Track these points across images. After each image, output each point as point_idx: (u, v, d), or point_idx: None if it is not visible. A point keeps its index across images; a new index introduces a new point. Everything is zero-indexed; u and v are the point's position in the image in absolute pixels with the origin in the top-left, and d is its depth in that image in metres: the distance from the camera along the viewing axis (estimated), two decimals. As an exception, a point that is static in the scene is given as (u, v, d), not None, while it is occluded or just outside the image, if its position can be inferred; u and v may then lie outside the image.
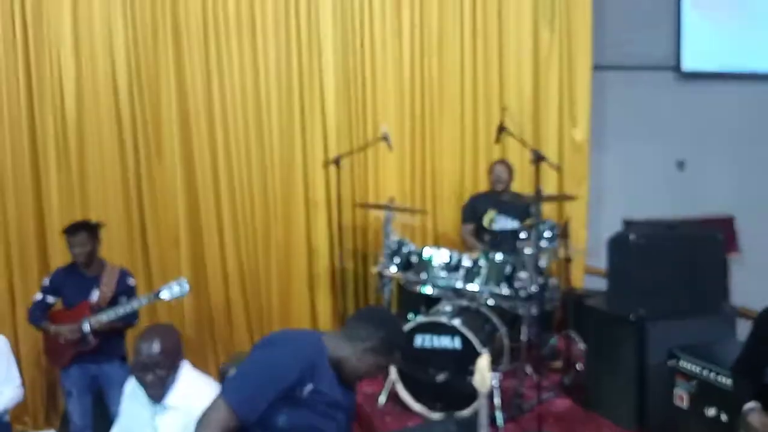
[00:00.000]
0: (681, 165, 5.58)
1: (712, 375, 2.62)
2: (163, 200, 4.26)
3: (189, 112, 4.25)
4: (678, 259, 3.01)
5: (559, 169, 3.65)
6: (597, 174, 5.35)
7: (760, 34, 5.46)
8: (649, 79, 5.47)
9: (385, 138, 3.88)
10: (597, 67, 5.10)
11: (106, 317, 3.20)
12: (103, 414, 3.39)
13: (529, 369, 3.56)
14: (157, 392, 2.12)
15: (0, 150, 3.94)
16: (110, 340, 3.32)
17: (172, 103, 4.20)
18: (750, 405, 1.93)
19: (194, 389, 2.16)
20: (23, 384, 3.29)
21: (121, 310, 3.21)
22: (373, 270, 4.01)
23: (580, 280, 4.95)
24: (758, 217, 5.75)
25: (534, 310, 3.35)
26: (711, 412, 2.62)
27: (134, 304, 3.25)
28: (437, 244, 4.73)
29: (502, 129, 3.19)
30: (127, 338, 3.49)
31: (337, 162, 4.06)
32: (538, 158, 3.00)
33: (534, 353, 3.52)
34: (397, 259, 3.78)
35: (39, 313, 3.30)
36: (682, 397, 2.76)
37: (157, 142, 4.22)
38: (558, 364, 3.90)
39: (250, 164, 4.40)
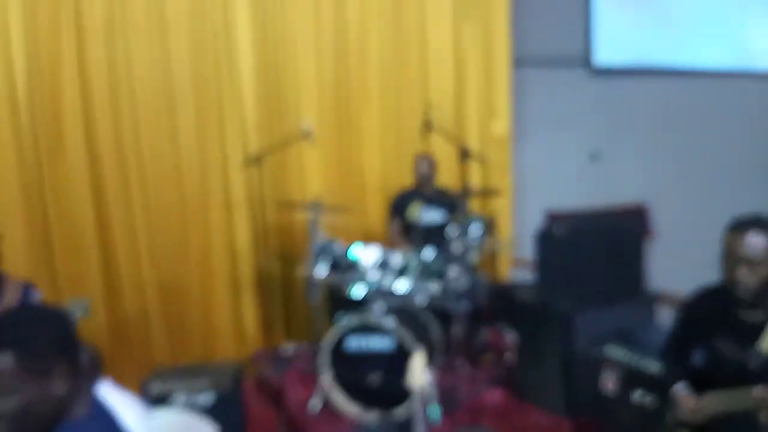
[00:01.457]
0: (594, 157, 5.81)
1: (637, 361, 2.70)
2: (68, 205, 3.93)
3: (93, 108, 3.93)
4: (599, 250, 3.09)
5: (485, 162, 3.67)
6: (518, 167, 5.48)
7: (668, 30, 5.75)
8: (563, 74, 5.65)
9: (307, 133, 3.75)
10: (515, 62, 5.21)
11: None
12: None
13: (462, 364, 3.55)
14: None
15: None
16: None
17: (75, 98, 3.88)
18: (679, 387, 1.98)
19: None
20: None
21: None
22: (301, 272, 3.89)
23: (506, 272, 5.05)
24: (668, 203, 6.11)
25: (465, 306, 3.35)
26: (637, 396, 2.70)
27: None
28: (364, 241, 4.68)
29: (427, 124, 3.15)
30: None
31: (258, 160, 3.89)
32: (464, 154, 2.98)
33: (466, 348, 3.52)
34: (325, 260, 3.68)
35: None
36: (608, 383, 2.83)
37: (59, 139, 3.88)
38: (489, 357, 3.93)
39: (163, 165, 4.13)
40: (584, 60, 5.68)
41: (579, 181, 5.79)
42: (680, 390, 1.99)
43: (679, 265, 6.02)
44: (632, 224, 3.24)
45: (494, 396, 3.51)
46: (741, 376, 1.82)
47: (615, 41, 5.67)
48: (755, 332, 1.81)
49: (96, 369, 1.53)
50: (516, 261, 5.08)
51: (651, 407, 2.61)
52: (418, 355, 2.87)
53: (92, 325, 3.96)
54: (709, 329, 1.95)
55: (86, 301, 3.01)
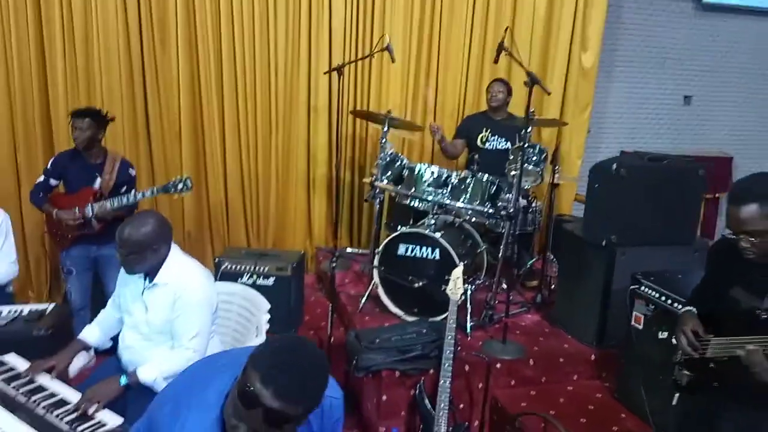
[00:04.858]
0: (688, 100, 5.54)
1: (668, 301, 2.77)
2: (166, 94, 4.31)
3: (195, 9, 4.21)
4: (656, 190, 3.08)
5: (549, 94, 3.63)
6: (601, 102, 5.35)
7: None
8: (668, 7, 5.32)
9: (388, 49, 3.86)
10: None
11: (110, 205, 3.31)
12: (101, 293, 3.62)
13: (504, 284, 3.73)
14: (128, 268, 2.32)
15: (5, 33, 3.96)
16: (111, 225, 3.46)
17: (181, 2, 4.17)
18: (687, 308, 2.07)
19: (180, 270, 2.35)
20: (18, 261, 3.32)
21: (126, 199, 3.31)
22: (365, 180, 4.13)
23: (569, 207, 5.07)
24: (755, 156, 5.79)
25: (513, 229, 3.48)
26: (664, 334, 2.79)
27: (139, 196, 3.32)
28: (434, 160, 4.83)
29: (501, 48, 3.17)
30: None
31: (339, 70, 4.04)
32: (532, 81, 3.01)
33: (511, 270, 3.68)
34: (389, 172, 3.89)
35: (41, 195, 3.42)
36: (639, 318, 2.93)
37: (163, 37, 4.20)
38: (534, 283, 4.09)
39: (254, 65, 4.41)
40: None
41: (664, 124, 5.58)
42: (688, 309, 2.07)
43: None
44: (697, 169, 3.17)
45: (530, 318, 3.70)
46: (752, 325, 1.87)
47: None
48: None
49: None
50: (580, 197, 5.06)
51: (676, 345, 2.70)
52: (459, 267, 3.10)
53: (180, 208, 4.46)
54: (726, 277, 1.99)
55: (188, 178, 3.33)
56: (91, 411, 2.05)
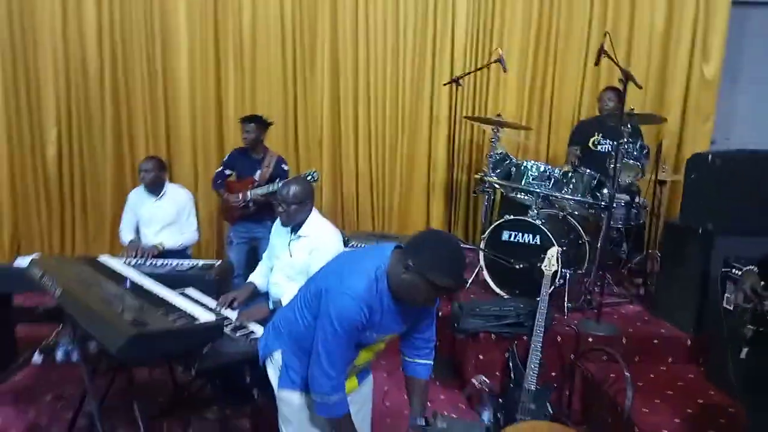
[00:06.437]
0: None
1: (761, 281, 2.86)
2: (312, 107, 5.13)
3: (338, 37, 5.03)
4: (754, 180, 3.18)
5: (641, 88, 3.75)
6: (727, 111, 5.30)
7: None
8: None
9: (500, 61, 4.28)
10: (738, 2, 4.98)
11: (262, 191, 4.12)
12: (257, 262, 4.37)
13: (607, 276, 3.91)
14: (284, 220, 2.94)
15: (191, 56, 5.01)
16: (265, 207, 4.20)
17: (326, 34, 5.00)
18: (747, 267, 2.25)
19: (319, 226, 2.96)
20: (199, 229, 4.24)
21: (272, 187, 4.06)
22: (477, 176, 4.56)
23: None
24: None
25: (615, 223, 3.69)
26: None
27: (281, 185, 4.05)
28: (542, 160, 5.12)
29: (602, 52, 3.46)
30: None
31: (456, 81, 4.54)
32: (626, 78, 3.28)
33: (613, 262, 3.85)
34: (498, 169, 4.28)
35: (219, 181, 4.32)
36: (732, 299, 3.03)
37: (311, 58, 5.06)
38: (640, 280, 4.21)
39: (385, 80, 5.10)
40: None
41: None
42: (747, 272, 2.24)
43: None
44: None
45: (630, 308, 3.85)
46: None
47: None
48: None
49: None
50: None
51: None
52: (555, 247, 3.42)
53: (320, 196, 5.20)
54: None
55: (316, 171, 4.05)
56: (244, 322, 2.71)
